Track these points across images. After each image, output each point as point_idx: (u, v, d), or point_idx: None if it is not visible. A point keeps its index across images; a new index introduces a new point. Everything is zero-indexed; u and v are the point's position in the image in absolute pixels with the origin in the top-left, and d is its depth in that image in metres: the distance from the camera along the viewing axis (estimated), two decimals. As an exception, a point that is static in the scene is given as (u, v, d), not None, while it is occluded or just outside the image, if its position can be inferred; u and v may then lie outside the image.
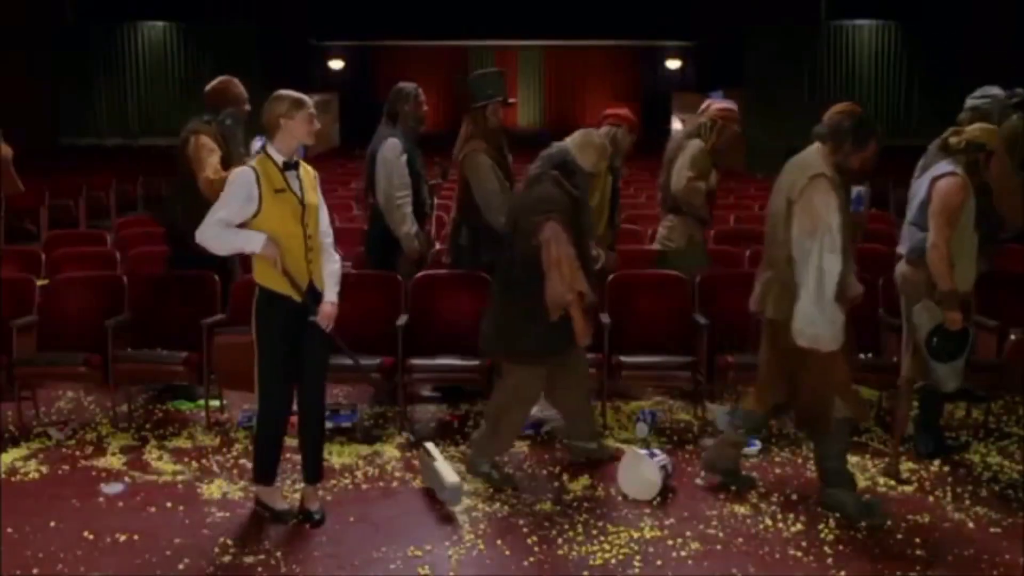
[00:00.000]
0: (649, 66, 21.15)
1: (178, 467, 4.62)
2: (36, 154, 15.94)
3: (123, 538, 3.82)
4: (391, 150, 5.31)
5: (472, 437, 4.64)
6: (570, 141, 4.36)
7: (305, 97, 3.87)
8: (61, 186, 12.13)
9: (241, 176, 3.82)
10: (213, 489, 4.33)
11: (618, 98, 19.23)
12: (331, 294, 3.96)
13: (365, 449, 4.83)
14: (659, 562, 3.63)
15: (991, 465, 4.61)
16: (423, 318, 5.29)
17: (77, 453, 4.82)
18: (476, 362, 4.95)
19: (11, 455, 4.76)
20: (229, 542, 3.78)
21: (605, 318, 5.11)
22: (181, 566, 3.59)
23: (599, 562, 3.62)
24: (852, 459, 4.70)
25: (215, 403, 5.36)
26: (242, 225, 3.82)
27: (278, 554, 3.68)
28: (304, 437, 4.07)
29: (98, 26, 18.00)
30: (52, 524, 3.96)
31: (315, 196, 3.95)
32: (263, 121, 3.87)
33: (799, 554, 3.69)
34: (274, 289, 3.84)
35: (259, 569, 3.57)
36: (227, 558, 3.65)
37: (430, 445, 4.46)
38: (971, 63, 14.90)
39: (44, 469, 4.61)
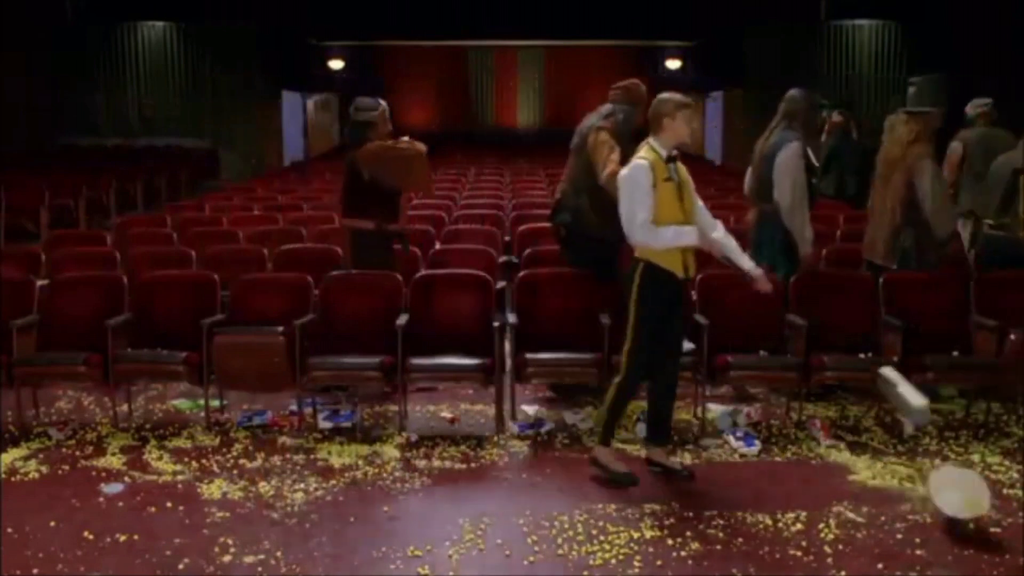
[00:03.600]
0: (649, 66, 21.08)
1: (178, 467, 4.62)
2: (36, 154, 15.97)
3: (123, 538, 3.82)
4: (796, 155, 5.38)
5: None
6: None
7: (688, 100, 4.32)
8: (61, 186, 12.11)
9: (638, 171, 4.26)
10: (213, 489, 4.33)
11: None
12: (747, 261, 4.55)
13: (365, 449, 4.83)
14: (659, 562, 3.63)
15: (991, 465, 4.61)
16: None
17: (77, 453, 4.82)
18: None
19: (11, 455, 4.77)
20: (229, 542, 3.78)
21: (605, 318, 5.11)
22: (181, 566, 3.59)
23: (599, 562, 3.62)
24: (851, 459, 4.71)
25: (215, 403, 5.37)
26: None
27: (278, 554, 3.68)
28: (661, 403, 4.52)
29: (98, 26, 17.99)
30: (52, 524, 3.96)
31: (690, 184, 4.39)
32: (649, 117, 4.34)
33: (799, 554, 3.69)
34: (662, 265, 4.28)
35: (259, 569, 3.57)
36: (227, 558, 3.65)
37: (887, 370, 4.53)
38: (970, 63, 14.90)
39: (44, 469, 4.62)
